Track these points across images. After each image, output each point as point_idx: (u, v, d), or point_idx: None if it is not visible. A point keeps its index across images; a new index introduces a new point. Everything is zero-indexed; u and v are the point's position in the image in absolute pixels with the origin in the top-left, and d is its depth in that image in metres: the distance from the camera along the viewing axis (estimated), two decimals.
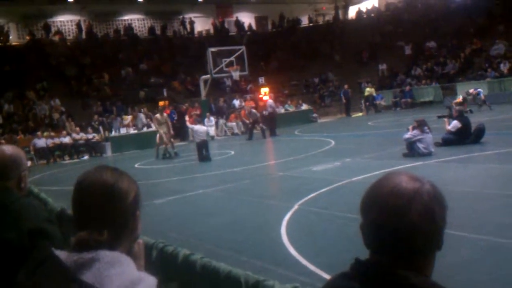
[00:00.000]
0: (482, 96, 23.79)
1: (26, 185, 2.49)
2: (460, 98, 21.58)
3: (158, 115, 19.46)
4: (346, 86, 30.79)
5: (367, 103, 30.92)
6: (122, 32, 37.75)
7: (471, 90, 24.32)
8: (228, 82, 33.18)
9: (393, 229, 1.33)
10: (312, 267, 5.69)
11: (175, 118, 26.08)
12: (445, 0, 38.37)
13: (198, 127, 17.44)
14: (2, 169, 2.36)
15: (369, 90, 31.06)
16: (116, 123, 25.70)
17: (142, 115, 26.48)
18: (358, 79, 34.38)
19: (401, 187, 1.35)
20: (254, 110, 24.31)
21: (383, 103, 31.39)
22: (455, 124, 13.71)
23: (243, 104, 29.30)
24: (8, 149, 2.50)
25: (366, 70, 35.79)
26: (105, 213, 1.49)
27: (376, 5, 44.35)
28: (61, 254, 1.43)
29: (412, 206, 1.32)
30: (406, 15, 39.28)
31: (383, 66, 35.31)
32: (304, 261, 5.95)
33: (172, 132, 19.18)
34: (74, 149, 23.07)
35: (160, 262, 2.29)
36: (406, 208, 1.32)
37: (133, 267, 1.46)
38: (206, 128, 18.64)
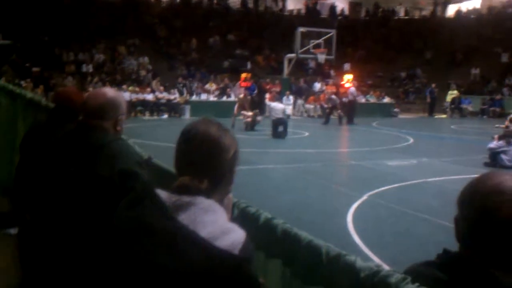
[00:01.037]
0: None
1: (122, 129, 2.57)
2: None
3: (242, 96, 20.31)
4: (433, 85, 29.78)
5: (453, 106, 29.76)
6: (215, 1, 38.17)
7: None
8: (312, 64, 32.89)
9: (490, 226, 1.29)
10: (375, 258, 5.62)
11: (255, 92, 26.20)
12: None
13: (275, 105, 17.55)
14: (101, 109, 2.45)
15: (451, 93, 29.85)
16: (199, 88, 26.25)
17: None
18: (447, 80, 33.08)
19: (505, 186, 1.30)
20: (334, 96, 24.04)
21: (470, 108, 30.11)
22: None
23: (324, 88, 29.01)
24: (109, 91, 2.60)
25: (457, 72, 34.34)
26: (208, 163, 1.55)
27: (478, 6, 42.27)
28: (162, 194, 1.50)
29: None
30: (508, 21, 37.16)
31: (476, 71, 33.75)
32: (368, 251, 5.90)
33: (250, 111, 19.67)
34: (155, 107, 23.84)
35: (240, 221, 2.32)
36: (508, 207, 1.27)
37: (225, 217, 1.51)
38: (283, 106, 18.66)
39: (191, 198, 1.46)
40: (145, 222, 1.43)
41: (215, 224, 1.43)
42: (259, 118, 19.10)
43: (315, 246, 1.91)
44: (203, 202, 1.47)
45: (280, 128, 16.71)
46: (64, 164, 2.33)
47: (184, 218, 1.42)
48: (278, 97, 21.71)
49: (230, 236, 1.42)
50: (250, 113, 19.24)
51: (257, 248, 2.28)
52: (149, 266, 1.38)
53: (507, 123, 18.93)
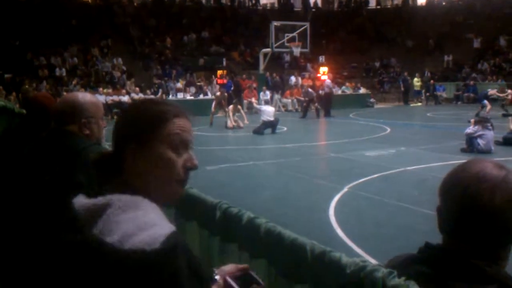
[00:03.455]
0: None
1: (94, 133, 2.48)
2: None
3: (219, 94, 20.25)
4: (406, 74, 30.09)
5: (428, 94, 30.08)
6: None
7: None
8: (287, 58, 32.94)
9: (473, 215, 1.28)
10: (359, 251, 5.65)
11: (232, 89, 26.12)
12: None
13: (265, 108, 17.60)
14: (71, 114, 2.39)
15: (417, 80, 29.87)
16: (174, 88, 26.09)
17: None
18: (422, 68, 33.42)
19: (486, 173, 1.30)
20: (310, 90, 24.09)
21: (444, 95, 30.45)
22: None
23: (300, 81, 29.05)
24: (79, 94, 2.53)
25: (431, 60, 34.72)
26: None
27: None
28: (80, 201, 1.26)
29: (495, 193, 1.27)
30: (479, 7, 37.67)
31: (449, 57, 34.14)
32: (350, 243, 5.93)
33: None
34: None
35: (223, 223, 2.30)
36: (489, 194, 1.27)
37: (154, 213, 1.23)
38: (273, 109, 18.59)
39: (107, 198, 1.22)
40: (57, 241, 1.20)
41: (133, 221, 1.17)
42: (241, 124, 18.85)
43: (300, 244, 1.90)
44: (122, 199, 1.21)
45: (272, 130, 16.75)
46: (38, 173, 2.27)
47: (99, 224, 1.18)
48: (268, 100, 21.85)
49: (150, 231, 1.14)
50: (231, 108, 19.08)
51: (241, 248, 2.26)
52: None
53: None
